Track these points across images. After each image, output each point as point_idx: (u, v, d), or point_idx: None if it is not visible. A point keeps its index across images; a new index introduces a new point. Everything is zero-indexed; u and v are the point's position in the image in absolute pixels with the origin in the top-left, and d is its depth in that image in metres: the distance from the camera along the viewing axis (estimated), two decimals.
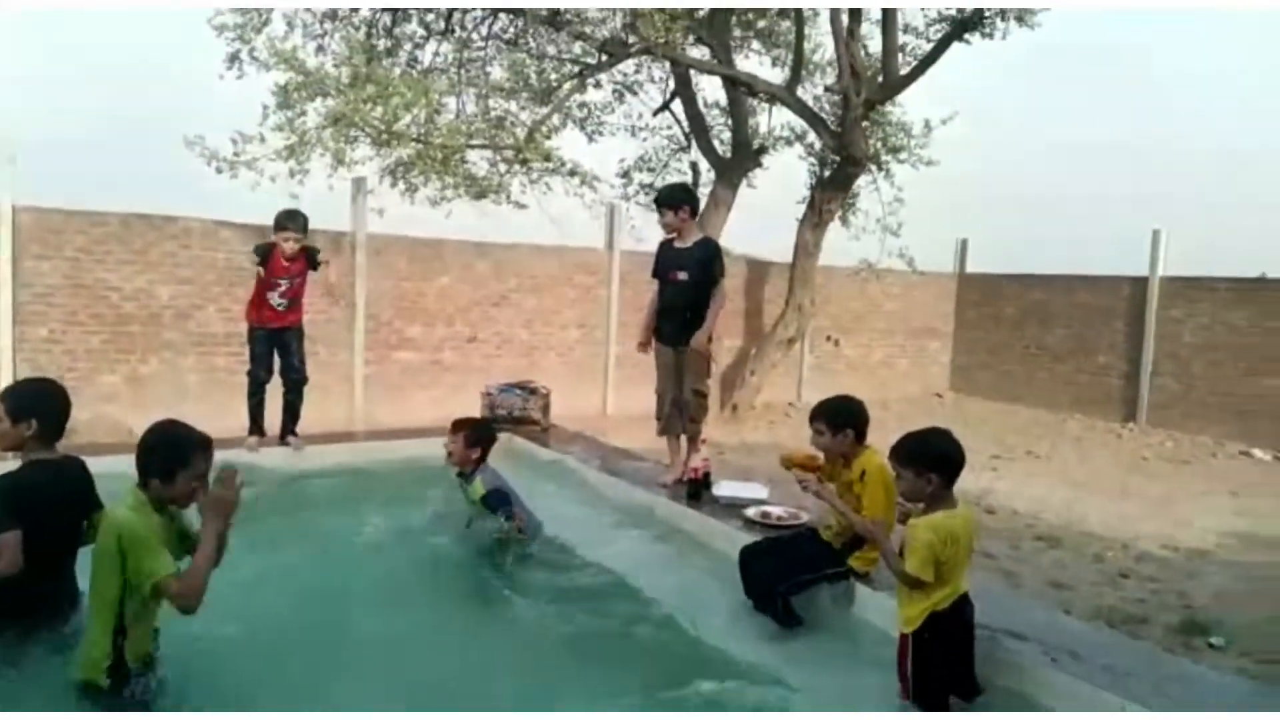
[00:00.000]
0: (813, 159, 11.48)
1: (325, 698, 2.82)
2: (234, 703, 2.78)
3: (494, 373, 9.25)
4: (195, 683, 2.82)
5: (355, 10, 10.42)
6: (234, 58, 9.42)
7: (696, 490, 4.70)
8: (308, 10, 10.24)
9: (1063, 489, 7.79)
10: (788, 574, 3.61)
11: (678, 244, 5.41)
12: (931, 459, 2.94)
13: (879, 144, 11.29)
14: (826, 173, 11.04)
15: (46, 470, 2.89)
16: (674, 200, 5.38)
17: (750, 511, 4.36)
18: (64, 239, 7.94)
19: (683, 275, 5.28)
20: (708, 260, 5.27)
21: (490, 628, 3.65)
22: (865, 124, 10.49)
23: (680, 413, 5.31)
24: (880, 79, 10.29)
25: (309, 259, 5.74)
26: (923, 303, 13.53)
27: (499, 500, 4.24)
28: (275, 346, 5.74)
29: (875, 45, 10.54)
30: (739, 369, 11.30)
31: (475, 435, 4.37)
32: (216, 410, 8.21)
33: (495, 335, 10.11)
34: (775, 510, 4.39)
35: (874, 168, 11.26)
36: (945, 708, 2.90)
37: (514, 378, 7.86)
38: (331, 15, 10.35)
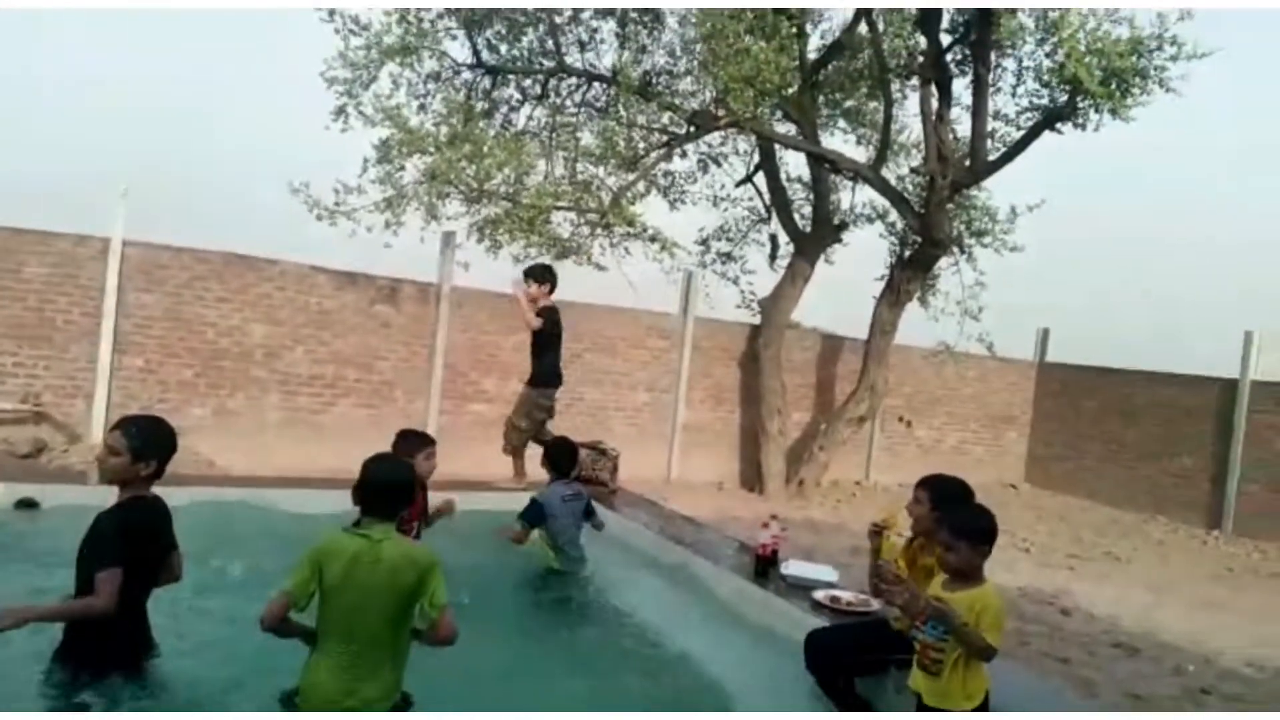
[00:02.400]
0: (894, 238, 11.47)
1: None
2: None
3: (561, 431, 9.30)
4: None
5: (457, 73, 10.90)
6: (341, 110, 9.88)
7: (764, 567, 4.64)
8: (412, 70, 10.75)
9: (1142, 594, 7.45)
10: (854, 654, 3.54)
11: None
12: (987, 534, 3.00)
13: (963, 227, 11.23)
14: (907, 252, 11.00)
15: (142, 509, 2.94)
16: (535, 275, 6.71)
17: (819, 594, 4.28)
18: (167, 274, 8.36)
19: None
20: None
21: (543, 690, 3.61)
22: (950, 206, 10.47)
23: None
24: (968, 163, 10.28)
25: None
26: (1000, 389, 13.25)
27: (527, 509, 4.70)
28: None
29: (963, 129, 10.57)
30: (807, 444, 11.18)
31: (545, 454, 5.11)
32: (295, 448, 8.50)
33: (565, 393, 10.16)
34: (845, 595, 4.30)
35: (956, 250, 11.19)
36: None
37: (583, 437, 7.91)
38: (435, 76, 10.82)
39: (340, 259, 9.11)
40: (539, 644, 4.07)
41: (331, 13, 9.24)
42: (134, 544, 2.81)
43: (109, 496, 3.04)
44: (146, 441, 2.94)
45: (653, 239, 10.54)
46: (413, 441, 4.35)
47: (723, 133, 11.14)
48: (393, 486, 2.85)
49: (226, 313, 8.51)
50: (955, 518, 3.04)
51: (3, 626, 2.57)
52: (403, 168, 9.50)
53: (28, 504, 4.84)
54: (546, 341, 6.76)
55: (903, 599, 3.09)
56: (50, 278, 7.94)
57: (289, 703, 2.69)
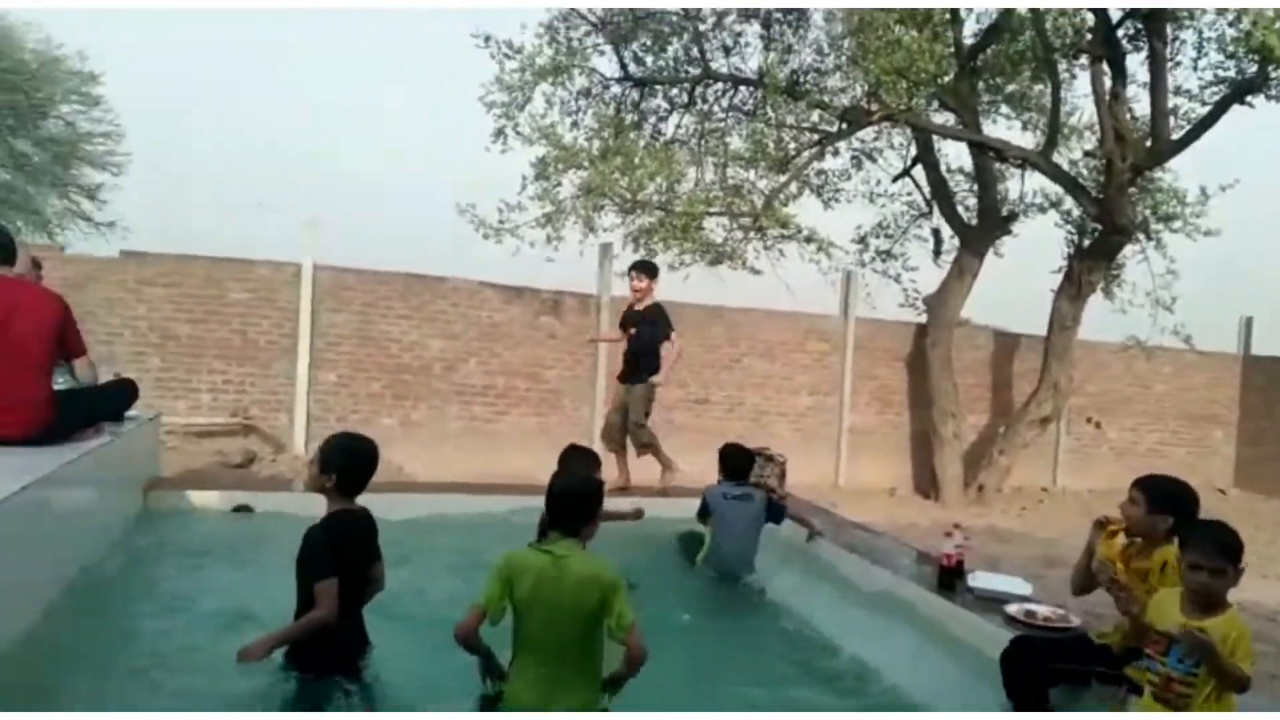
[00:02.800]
0: (1071, 227, 10.76)
1: None
2: None
3: (725, 436, 9.22)
4: None
5: (606, 87, 11.13)
6: (500, 132, 10.29)
7: (949, 579, 4.43)
8: (564, 89, 11.06)
9: None
10: (1052, 661, 3.33)
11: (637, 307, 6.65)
12: (1241, 553, 2.72)
13: (1147, 211, 10.40)
14: (1087, 241, 10.30)
15: (346, 521, 3.12)
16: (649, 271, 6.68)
17: (1012, 608, 4.04)
18: (354, 295, 8.96)
19: (633, 331, 6.61)
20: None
21: (725, 701, 3.59)
22: (1132, 190, 9.73)
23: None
24: (1148, 143, 9.52)
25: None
26: (1200, 386, 12.18)
27: (700, 506, 4.97)
28: None
29: (1141, 107, 9.81)
30: (985, 447, 10.65)
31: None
32: (473, 455, 8.91)
33: (726, 399, 10.21)
34: (1041, 609, 4.03)
35: (1142, 237, 10.37)
36: None
37: (747, 442, 7.85)
38: (585, 93, 11.09)
39: (506, 274, 9.50)
40: (717, 652, 4.05)
41: (487, 38, 9.63)
42: (340, 555, 2.99)
43: (312, 501, 3.27)
44: (330, 456, 3.11)
45: (808, 240, 10.38)
46: (577, 458, 4.45)
47: (876, 127, 10.83)
48: (575, 500, 2.86)
49: (407, 329, 9.04)
50: (1210, 535, 2.74)
51: (255, 658, 2.81)
52: (559, 183, 9.79)
53: (243, 509, 5.28)
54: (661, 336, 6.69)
55: (1129, 610, 2.92)
56: (251, 302, 8.69)
57: (488, 707, 2.79)
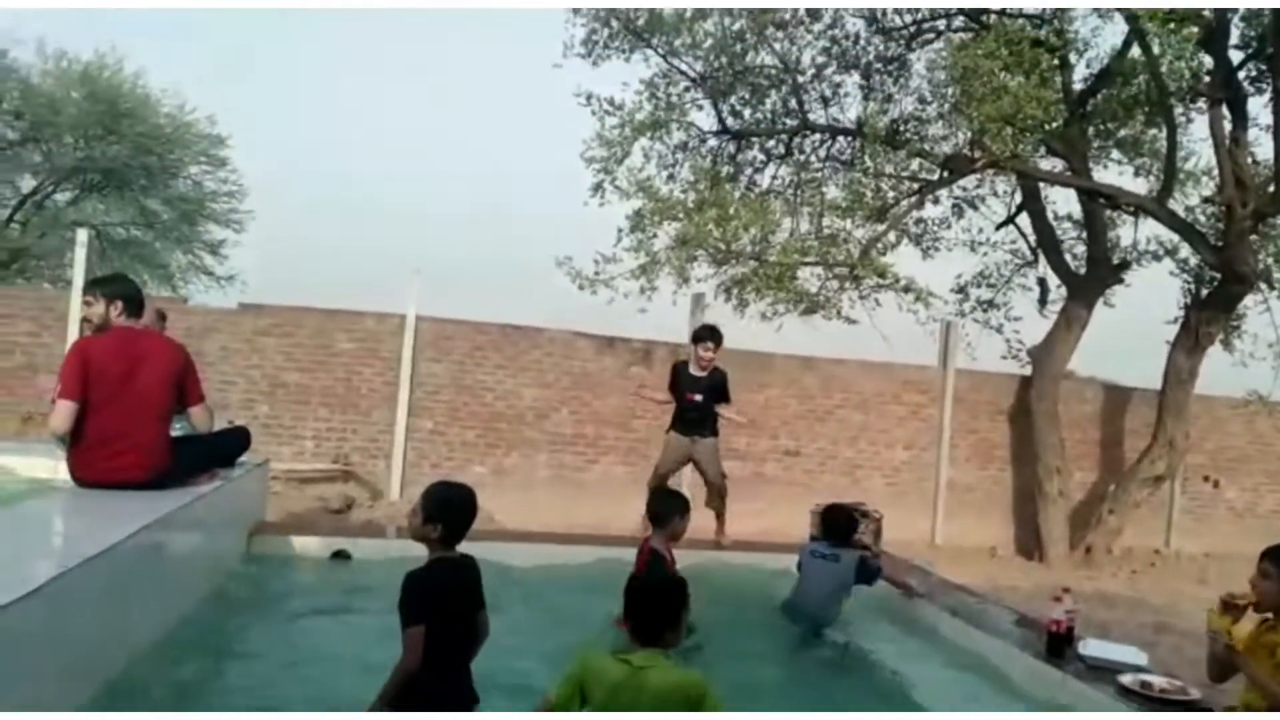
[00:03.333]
0: (1187, 276, 10.26)
1: None
2: None
3: (816, 489, 9.14)
4: None
5: (703, 141, 11.26)
6: (598, 187, 10.51)
7: (1058, 645, 4.19)
8: (662, 143, 11.25)
9: None
10: None
11: (694, 371, 6.59)
12: None
13: (1270, 259, 9.82)
14: (1204, 291, 9.79)
15: (446, 570, 3.08)
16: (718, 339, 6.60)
17: (1126, 679, 3.79)
18: (453, 344, 9.23)
19: (698, 398, 6.53)
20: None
21: None
22: (1253, 238, 9.23)
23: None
24: (1271, 188, 9.03)
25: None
26: None
27: None
28: None
29: (1263, 151, 9.32)
30: (1094, 506, 10.11)
31: None
32: (560, 503, 8.96)
33: (818, 451, 10.02)
34: (1158, 680, 3.77)
35: (1264, 286, 9.79)
36: None
37: (839, 497, 7.67)
38: (682, 146, 11.25)
39: (599, 324, 9.63)
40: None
41: (589, 97, 9.91)
42: (434, 602, 2.98)
43: (407, 548, 3.27)
44: (435, 506, 3.10)
45: (906, 289, 10.18)
46: (668, 502, 4.42)
47: (979, 175, 10.61)
48: (655, 602, 2.65)
49: (502, 378, 9.24)
50: None
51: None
52: (655, 235, 9.90)
53: (341, 555, 5.41)
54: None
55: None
56: (356, 352, 9.03)
57: None
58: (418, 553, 3.17)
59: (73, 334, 8.34)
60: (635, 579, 2.81)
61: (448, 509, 3.10)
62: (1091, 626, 6.07)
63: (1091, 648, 4.19)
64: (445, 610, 2.95)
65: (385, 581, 3.17)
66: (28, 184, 16.93)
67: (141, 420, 3.96)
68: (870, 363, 10.27)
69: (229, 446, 4.70)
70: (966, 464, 10.44)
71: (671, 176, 11.20)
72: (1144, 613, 7.26)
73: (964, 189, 11.14)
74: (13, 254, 15.69)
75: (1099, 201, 10.01)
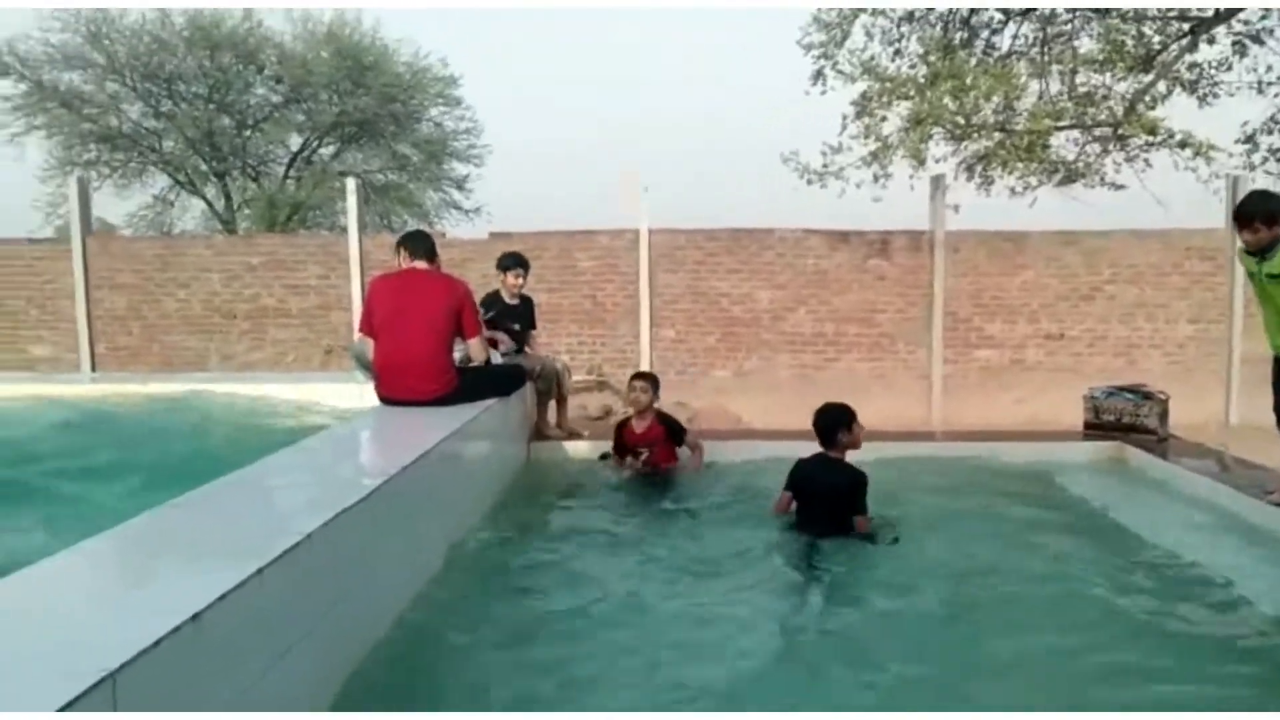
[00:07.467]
0: None
1: None
2: None
3: (1085, 373, 8.49)
4: None
5: (931, 9, 10.40)
6: (818, 74, 10.07)
7: None
8: (884, 17, 10.51)
9: None
10: None
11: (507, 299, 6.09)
12: None
13: None
14: None
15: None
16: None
17: None
18: (685, 254, 9.36)
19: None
20: None
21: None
22: None
23: None
24: None
25: None
26: None
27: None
28: None
29: None
30: None
31: None
32: (804, 402, 8.96)
33: (1086, 332, 9.26)
34: None
35: None
36: None
37: (1113, 379, 7.09)
38: (908, 17, 10.47)
39: (828, 219, 9.36)
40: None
41: None
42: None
43: None
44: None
45: (1182, 145, 9.06)
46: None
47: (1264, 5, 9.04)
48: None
49: (736, 283, 9.29)
50: None
51: None
52: (884, 118, 9.40)
53: (606, 456, 5.79)
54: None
55: None
56: (597, 269, 9.42)
57: None
58: None
59: (354, 275, 9.36)
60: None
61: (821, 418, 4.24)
62: None
63: None
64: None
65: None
66: (295, 142, 18.90)
67: (424, 346, 4.45)
68: (1143, 231, 9.25)
69: (504, 383, 5.09)
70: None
71: (898, 52, 10.51)
72: None
73: (1245, 22, 9.54)
74: (294, 207, 17.68)
75: None
